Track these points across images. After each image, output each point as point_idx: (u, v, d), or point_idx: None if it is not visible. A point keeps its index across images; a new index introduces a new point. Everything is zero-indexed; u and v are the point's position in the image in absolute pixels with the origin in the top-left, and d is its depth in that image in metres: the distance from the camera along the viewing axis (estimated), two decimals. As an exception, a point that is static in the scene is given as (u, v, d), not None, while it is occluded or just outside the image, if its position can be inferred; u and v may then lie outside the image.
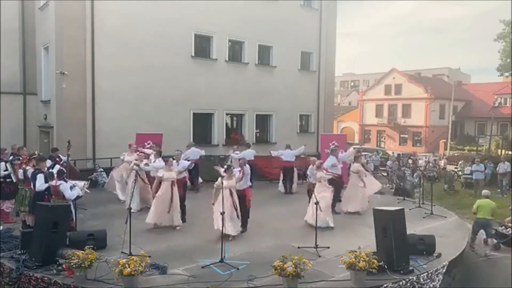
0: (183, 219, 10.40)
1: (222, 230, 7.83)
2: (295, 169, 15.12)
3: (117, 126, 15.85)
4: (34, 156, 9.57)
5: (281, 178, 15.18)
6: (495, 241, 10.48)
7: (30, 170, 9.08)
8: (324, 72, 22.67)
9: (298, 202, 11.47)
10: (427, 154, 33.20)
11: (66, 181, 8.60)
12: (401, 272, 7.08)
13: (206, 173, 14.21)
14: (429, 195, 12.80)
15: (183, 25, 17.41)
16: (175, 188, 9.88)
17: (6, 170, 9.82)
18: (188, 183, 12.09)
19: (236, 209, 9.07)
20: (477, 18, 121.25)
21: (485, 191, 11.63)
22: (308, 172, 11.04)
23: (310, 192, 10.36)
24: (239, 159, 10.89)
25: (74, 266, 6.41)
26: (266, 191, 14.86)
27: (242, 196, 9.49)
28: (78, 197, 8.71)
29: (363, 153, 16.81)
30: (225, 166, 9.32)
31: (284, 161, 15.02)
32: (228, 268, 7.29)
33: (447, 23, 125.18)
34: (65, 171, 9.20)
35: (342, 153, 12.97)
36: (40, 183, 8.48)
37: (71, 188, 8.47)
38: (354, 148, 15.20)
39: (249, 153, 14.80)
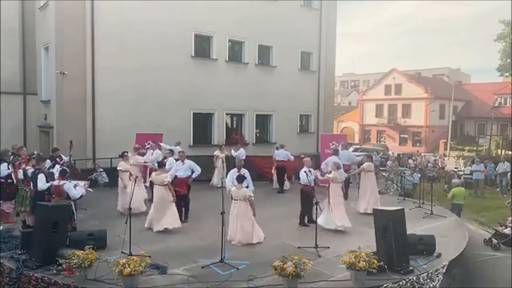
0: (186, 218, 10.47)
1: (223, 230, 7.81)
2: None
3: (117, 126, 15.85)
4: (33, 156, 9.56)
5: (276, 176, 15.45)
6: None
7: (30, 170, 9.08)
8: (324, 72, 22.67)
9: (297, 202, 11.43)
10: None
11: (68, 181, 8.60)
12: (401, 272, 7.06)
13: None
14: (429, 195, 12.81)
15: (183, 25, 17.41)
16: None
17: (8, 169, 9.81)
18: None
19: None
20: (477, 18, 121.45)
21: (455, 180, 12.98)
22: (303, 173, 10.17)
23: (305, 195, 10.13)
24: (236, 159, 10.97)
25: (74, 266, 6.40)
26: (265, 191, 14.85)
27: None
28: (81, 196, 8.71)
29: (362, 153, 16.82)
30: (237, 175, 9.12)
31: (277, 160, 15.20)
32: (228, 268, 7.28)
33: (447, 23, 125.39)
34: (68, 170, 9.20)
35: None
36: (42, 183, 8.47)
37: (74, 187, 8.46)
38: (354, 148, 15.38)
39: (242, 153, 15.24)
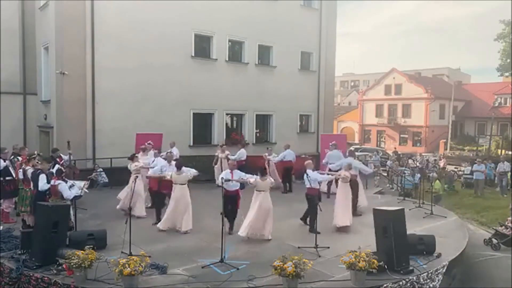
0: None
1: (222, 230, 7.82)
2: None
3: (117, 126, 15.84)
4: (33, 156, 9.56)
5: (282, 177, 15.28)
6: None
7: (29, 170, 9.07)
8: (324, 72, 22.66)
9: (297, 202, 11.46)
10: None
11: (65, 181, 8.59)
12: (401, 272, 7.07)
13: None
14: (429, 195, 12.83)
15: (183, 25, 17.39)
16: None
17: (5, 162, 9.80)
18: None
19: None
20: (477, 18, 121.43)
21: (434, 174, 13.78)
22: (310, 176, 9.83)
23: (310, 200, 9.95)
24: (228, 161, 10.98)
25: (74, 266, 6.41)
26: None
27: (234, 196, 9.53)
28: (77, 197, 8.69)
29: (362, 153, 16.87)
30: (260, 168, 9.45)
31: (285, 161, 15.10)
32: (228, 268, 7.29)
33: (447, 23, 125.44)
34: (63, 170, 9.18)
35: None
36: (43, 183, 8.46)
37: (70, 187, 8.45)
38: (354, 148, 15.55)
39: (242, 154, 15.21)
